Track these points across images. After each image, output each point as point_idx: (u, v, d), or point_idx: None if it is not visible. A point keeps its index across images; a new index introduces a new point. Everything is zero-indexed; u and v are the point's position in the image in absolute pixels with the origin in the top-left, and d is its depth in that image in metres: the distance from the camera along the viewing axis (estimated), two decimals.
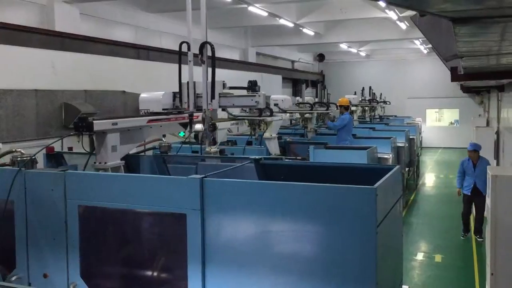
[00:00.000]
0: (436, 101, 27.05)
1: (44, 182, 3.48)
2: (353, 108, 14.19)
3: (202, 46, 4.91)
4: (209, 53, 4.90)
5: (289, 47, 24.03)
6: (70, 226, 3.39)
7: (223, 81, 5.12)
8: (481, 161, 9.79)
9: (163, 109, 4.97)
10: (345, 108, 11.29)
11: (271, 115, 6.91)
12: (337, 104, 11.67)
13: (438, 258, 8.95)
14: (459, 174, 10.27)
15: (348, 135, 10.34)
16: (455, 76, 7.57)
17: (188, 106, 5.00)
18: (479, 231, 9.68)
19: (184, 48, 4.97)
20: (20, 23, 9.81)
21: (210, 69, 4.93)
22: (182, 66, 5.07)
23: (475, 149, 9.90)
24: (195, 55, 4.94)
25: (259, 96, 5.44)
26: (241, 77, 9.45)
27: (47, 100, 9.16)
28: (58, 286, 3.41)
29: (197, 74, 5.04)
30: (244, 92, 5.62)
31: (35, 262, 3.52)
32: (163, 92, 5.05)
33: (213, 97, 4.93)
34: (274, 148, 7.97)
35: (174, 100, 5.10)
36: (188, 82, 5.02)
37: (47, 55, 9.49)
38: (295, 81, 25.05)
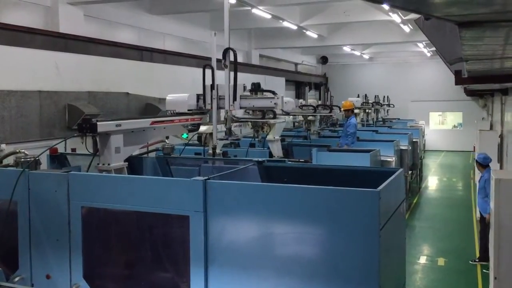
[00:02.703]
0: (439, 104, 26.99)
1: (48, 183, 3.49)
2: (356, 111, 14.17)
3: (225, 51, 5.26)
4: (232, 58, 5.25)
5: (292, 50, 24.03)
6: (73, 227, 3.39)
7: (244, 84, 5.48)
8: (483, 175, 8.50)
9: (188, 110, 5.33)
10: (351, 111, 11.25)
11: (274, 117, 6.92)
12: (341, 108, 11.64)
13: (441, 261, 8.92)
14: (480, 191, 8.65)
15: (354, 138, 10.32)
16: (459, 79, 7.54)
17: (212, 107, 5.36)
18: (484, 259, 8.11)
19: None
20: (24, 24, 9.84)
21: (232, 73, 5.27)
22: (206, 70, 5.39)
23: (476, 160, 8.91)
24: (218, 60, 5.32)
25: (277, 98, 5.68)
26: (244, 79, 9.42)
27: (50, 101, 9.18)
28: (60, 287, 3.41)
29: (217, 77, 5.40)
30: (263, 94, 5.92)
31: (38, 263, 3.52)
32: (188, 94, 5.40)
33: (235, 98, 5.25)
34: (277, 150, 7.97)
35: (198, 101, 5.46)
36: (211, 85, 5.34)
37: (51, 56, 9.52)
38: (298, 84, 25.04)
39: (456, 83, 8.44)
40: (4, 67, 8.45)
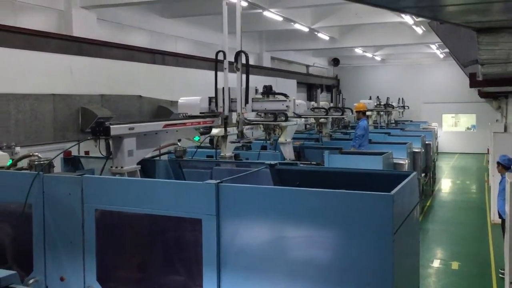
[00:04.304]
0: (452, 106, 26.76)
1: (62, 186, 3.52)
2: (368, 113, 14.10)
3: (237, 54, 5.25)
4: (243, 61, 5.24)
5: (303, 52, 24.00)
6: (87, 230, 3.41)
7: (256, 87, 5.50)
8: (504, 176, 8.01)
9: (200, 113, 5.34)
10: (362, 113, 11.18)
11: (286, 120, 6.91)
12: (354, 110, 11.59)
13: (455, 265, 8.82)
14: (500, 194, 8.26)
15: (366, 141, 10.25)
16: (474, 82, 7.46)
17: (223, 110, 5.36)
18: None
19: (220, 56, 5.29)
20: (39, 28, 9.96)
21: (244, 76, 5.26)
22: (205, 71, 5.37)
23: (499, 162, 8.61)
24: (229, 63, 5.31)
25: (289, 100, 5.65)
26: (256, 82, 9.43)
27: (64, 104, 9.27)
28: None
29: (229, 80, 5.40)
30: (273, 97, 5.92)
31: (52, 265, 3.55)
32: (201, 97, 5.42)
33: (247, 101, 5.25)
34: (289, 153, 7.95)
35: (210, 104, 5.47)
36: (223, 88, 5.34)
37: (65, 60, 9.61)
38: (309, 86, 25.00)
39: (471, 86, 8.36)
40: (19, 70, 8.55)
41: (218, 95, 5.37)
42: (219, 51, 5.29)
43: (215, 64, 5.35)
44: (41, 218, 3.57)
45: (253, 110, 5.57)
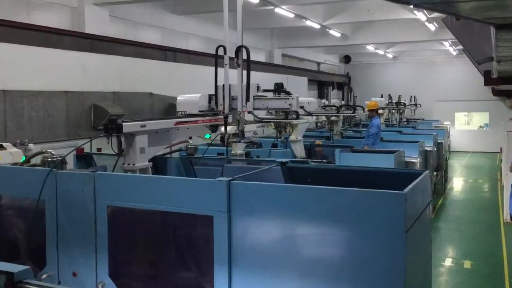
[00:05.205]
0: (465, 104, 26.47)
1: (75, 183, 3.54)
2: (380, 111, 14.02)
3: (238, 49, 4.97)
4: (245, 57, 4.96)
5: (314, 49, 23.90)
6: (99, 226, 3.44)
7: (257, 84, 5.19)
8: None
9: (199, 111, 5.09)
10: (375, 111, 11.12)
11: (298, 117, 6.89)
12: (366, 108, 11.53)
13: (467, 264, 8.75)
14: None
15: (378, 139, 10.20)
16: (488, 80, 7.37)
17: (224, 108, 5.07)
18: None
19: (220, 51, 5.03)
20: (52, 25, 10.03)
21: (245, 72, 4.96)
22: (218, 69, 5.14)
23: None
24: (230, 59, 5.00)
25: (292, 99, 5.48)
26: (267, 79, 9.45)
27: (76, 101, 9.33)
28: (87, 285, 3.47)
29: (231, 77, 5.12)
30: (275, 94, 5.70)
31: (65, 260, 3.59)
32: (200, 95, 5.16)
33: (247, 99, 4.98)
34: (299, 150, 7.95)
35: (209, 102, 5.20)
36: (223, 85, 5.08)
37: (77, 57, 9.68)
38: (320, 83, 24.90)
39: (486, 84, 8.27)
40: (32, 67, 8.63)
41: (218, 92, 5.07)
42: (219, 46, 5.00)
43: (215, 60, 5.05)
44: (54, 214, 3.61)
45: (254, 109, 5.25)
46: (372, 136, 10.05)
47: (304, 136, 8.48)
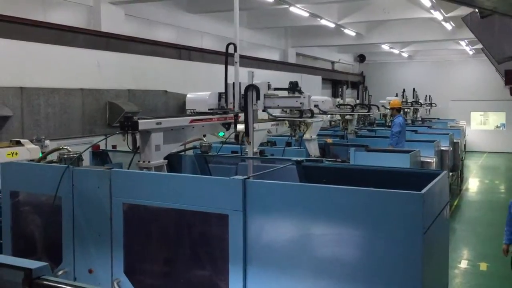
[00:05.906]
0: (481, 104, 26.14)
1: (91, 180, 3.57)
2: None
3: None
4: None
5: (328, 48, 23.78)
6: (115, 223, 3.46)
7: (268, 82, 5.14)
8: None
9: (209, 109, 5.03)
10: (397, 110, 11.03)
11: (312, 116, 6.87)
12: (389, 107, 11.44)
13: (483, 266, 8.64)
14: (508, 223, 6.67)
15: (403, 138, 10.10)
16: (510, 79, 7.26)
17: (234, 107, 5.03)
18: None
19: (231, 49, 5.01)
20: (68, 24, 10.12)
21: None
22: (228, 67, 5.10)
23: None
24: (241, 57, 5.00)
25: (303, 97, 5.44)
26: (281, 78, 9.39)
27: (92, 98, 9.41)
28: (102, 282, 3.49)
29: (242, 75, 5.08)
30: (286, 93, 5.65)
31: (81, 257, 3.61)
32: (209, 93, 5.11)
33: (258, 98, 4.96)
34: (314, 149, 7.92)
35: (219, 100, 5.14)
36: (233, 83, 5.05)
37: (93, 55, 9.75)
38: (334, 82, 24.76)
39: (506, 83, 8.14)
40: (49, 65, 8.72)
41: (228, 90, 5.04)
42: (230, 43, 4.96)
43: (225, 58, 5.02)
44: (70, 210, 3.64)
45: (264, 107, 5.22)
46: (395, 135, 9.95)
47: (318, 135, 8.43)
